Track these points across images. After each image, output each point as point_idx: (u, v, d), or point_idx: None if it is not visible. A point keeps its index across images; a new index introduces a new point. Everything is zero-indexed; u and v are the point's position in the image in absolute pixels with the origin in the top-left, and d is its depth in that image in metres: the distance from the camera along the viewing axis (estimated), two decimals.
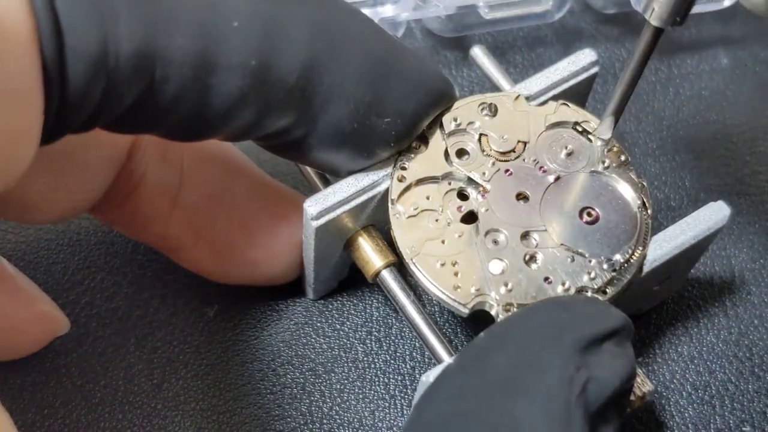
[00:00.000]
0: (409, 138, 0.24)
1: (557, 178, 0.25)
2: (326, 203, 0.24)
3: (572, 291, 0.23)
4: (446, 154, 0.25)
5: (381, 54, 0.23)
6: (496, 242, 0.24)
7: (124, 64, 0.19)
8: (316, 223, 0.24)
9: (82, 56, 0.18)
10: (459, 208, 0.24)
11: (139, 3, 0.19)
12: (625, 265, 0.24)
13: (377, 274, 0.26)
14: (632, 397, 0.24)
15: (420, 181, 0.25)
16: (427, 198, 0.24)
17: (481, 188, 0.25)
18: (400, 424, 0.28)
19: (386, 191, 0.25)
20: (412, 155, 0.25)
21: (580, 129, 0.26)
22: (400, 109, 0.23)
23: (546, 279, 0.23)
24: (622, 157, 0.25)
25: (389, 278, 0.25)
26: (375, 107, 0.23)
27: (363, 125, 0.23)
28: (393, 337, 0.29)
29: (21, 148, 0.18)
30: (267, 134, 0.23)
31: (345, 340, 0.29)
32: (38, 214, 0.25)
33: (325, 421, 0.27)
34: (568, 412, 0.19)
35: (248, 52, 0.20)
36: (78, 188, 0.25)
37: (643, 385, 0.24)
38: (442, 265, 0.24)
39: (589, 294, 0.23)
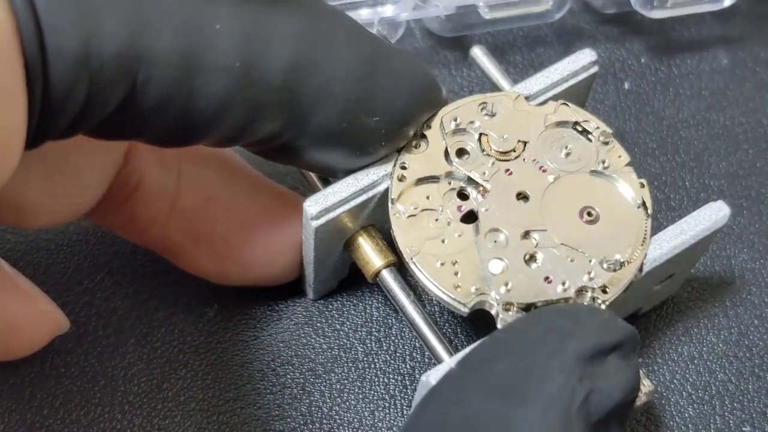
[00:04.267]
0: (400, 137, 0.24)
1: (557, 178, 0.25)
2: (326, 203, 0.24)
3: (572, 290, 0.23)
4: (446, 153, 0.25)
5: (368, 53, 0.23)
6: (496, 242, 0.24)
7: (107, 64, 0.19)
8: (315, 223, 0.24)
9: (64, 56, 0.18)
10: (459, 207, 0.24)
11: (121, 3, 0.19)
12: (625, 264, 0.24)
13: (377, 274, 0.26)
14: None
15: (420, 181, 0.25)
16: (427, 197, 0.24)
17: (481, 188, 0.25)
18: (400, 424, 0.28)
19: (386, 191, 0.25)
20: (412, 155, 0.25)
21: (580, 129, 0.26)
22: (389, 107, 0.23)
23: (546, 279, 0.23)
24: (622, 157, 0.25)
25: (389, 278, 0.25)
26: (364, 106, 0.23)
27: (353, 124, 0.23)
28: (393, 337, 0.29)
29: (6, 151, 0.18)
30: (256, 139, 0.22)
31: (345, 340, 0.29)
32: (35, 219, 0.24)
33: (325, 421, 0.27)
34: (568, 423, 0.19)
35: (232, 53, 0.20)
36: (74, 193, 0.25)
37: (643, 385, 0.24)
38: (442, 264, 0.23)
39: (590, 294, 0.23)
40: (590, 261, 0.24)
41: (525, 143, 0.25)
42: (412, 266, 0.24)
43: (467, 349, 0.23)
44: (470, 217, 0.24)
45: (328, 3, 0.23)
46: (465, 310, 0.23)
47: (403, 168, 0.25)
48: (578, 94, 0.28)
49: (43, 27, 0.18)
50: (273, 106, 0.22)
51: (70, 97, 0.19)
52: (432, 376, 0.22)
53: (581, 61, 0.27)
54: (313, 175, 0.28)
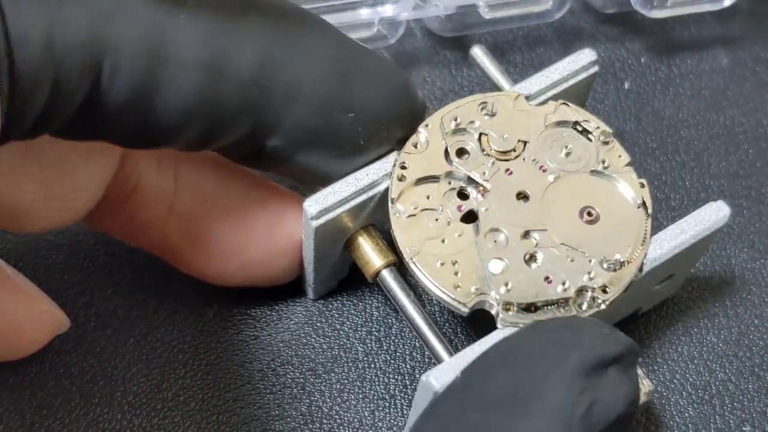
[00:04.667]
0: (379, 138, 0.24)
1: (557, 178, 0.25)
2: (326, 203, 0.24)
3: (572, 290, 0.23)
4: (446, 153, 0.25)
5: (339, 51, 0.23)
6: (496, 242, 0.24)
7: (71, 52, 0.19)
8: (315, 223, 0.24)
9: (28, 45, 0.18)
10: (459, 207, 0.24)
11: None
12: (625, 264, 0.24)
13: (377, 273, 0.26)
14: None
15: (420, 181, 0.25)
16: (427, 197, 0.24)
17: (481, 187, 0.25)
18: (400, 424, 0.28)
19: (386, 190, 0.25)
20: (412, 154, 0.25)
21: (580, 128, 0.26)
22: (363, 106, 0.23)
23: (546, 278, 0.23)
24: (622, 157, 0.25)
25: (389, 278, 0.25)
26: (337, 103, 0.23)
27: (328, 123, 0.23)
28: (393, 337, 0.29)
29: None
30: (230, 141, 0.22)
31: (345, 340, 0.29)
32: (31, 223, 0.24)
33: (325, 421, 0.27)
34: None
35: (199, 46, 0.20)
36: (71, 196, 0.24)
37: (642, 385, 0.24)
38: (442, 264, 0.23)
39: (590, 293, 0.23)
40: (590, 261, 0.24)
41: (525, 143, 0.25)
42: (412, 266, 0.24)
43: (467, 349, 0.23)
44: (470, 217, 0.24)
45: (300, 6, 0.23)
46: (465, 310, 0.23)
47: (403, 168, 0.25)
48: (578, 94, 0.28)
49: (6, 15, 0.18)
50: (243, 103, 0.21)
51: (36, 87, 0.18)
52: (432, 376, 0.22)
53: (581, 60, 0.27)
54: None
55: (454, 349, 0.24)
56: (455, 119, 0.25)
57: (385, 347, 0.29)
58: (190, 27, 0.20)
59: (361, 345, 0.29)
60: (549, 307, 0.23)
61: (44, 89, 0.19)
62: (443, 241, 0.24)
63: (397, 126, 0.25)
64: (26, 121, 0.19)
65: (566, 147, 0.25)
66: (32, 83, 0.18)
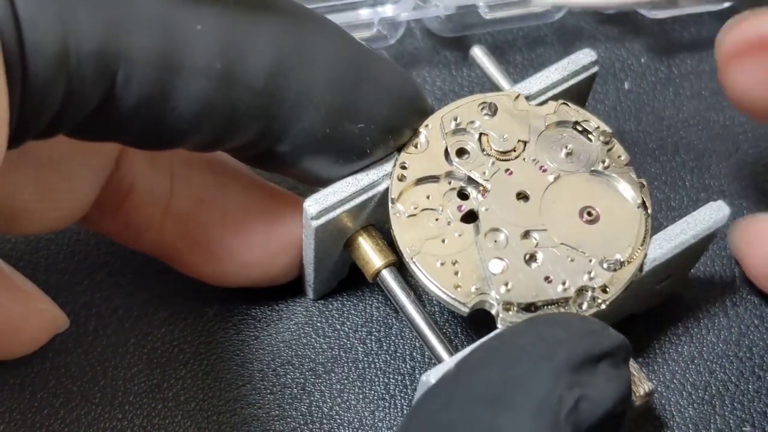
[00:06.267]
0: (386, 145, 0.24)
1: (557, 178, 0.25)
2: (326, 203, 0.24)
3: (572, 290, 0.23)
4: (446, 153, 0.25)
5: (350, 59, 0.23)
6: (496, 241, 0.24)
7: (85, 62, 0.19)
8: (315, 223, 0.24)
9: (42, 53, 0.18)
10: (459, 207, 0.24)
11: (99, 1, 0.19)
12: (625, 264, 0.24)
13: (377, 273, 0.26)
14: (632, 397, 0.24)
15: (420, 181, 0.25)
16: (427, 197, 0.24)
17: (481, 187, 0.25)
18: (400, 424, 0.27)
19: (386, 190, 0.25)
20: (412, 154, 0.25)
21: (580, 128, 0.26)
22: (372, 115, 0.23)
23: (546, 278, 0.23)
24: (622, 157, 0.25)
25: (389, 278, 0.25)
26: (347, 113, 0.23)
27: (336, 131, 0.23)
28: (393, 337, 0.29)
29: None
30: (238, 144, 0.22)
31: (345, 340, 0.29)
32: (26, 225, 0.24)
33: (325, 421, 0.27)
34: (556, 430, 0.19)
35: (212, 54, 0.20)
36: (66, 197, 0.24)
37: (643, 385, 0.24)
38: (442, 264, 0.24)
39: (590, 293, 0.23)
40: (590, 261, 0.24)
41: (525, 143, 0.25)
42: (412, 266, 0.24)
43: (467, 349, 0.23)
44: (470, 217, 0.24)
45: (312, 9, 0.23)
46: (465, 310, 0.23)
47: (403, 168, 0.25)
48: (578, 94, 0.28)
49: (21, 24, 0.18)
50: (254, 110, 0.22)
51: (49, 95, 0.18)
52: (432, 376, 0.22)
53: (581, 61, 0.27)
54: None
55: (454, 349, 0.24)
56: (455, 119, 0.25)
57: (385, 347, 0.29)
58: (204, 37, 0.20)
59: (361, 345, 0.29)
60: (549, 307, 0.23)
61: (56, 97, 0.19)
62: (443, 241, 0.24)
63: (404, 132, 0.25)
64: (38, 125, 0.19)
65: (566, 147, 0.25)
66: (45, 92, 0.18)
